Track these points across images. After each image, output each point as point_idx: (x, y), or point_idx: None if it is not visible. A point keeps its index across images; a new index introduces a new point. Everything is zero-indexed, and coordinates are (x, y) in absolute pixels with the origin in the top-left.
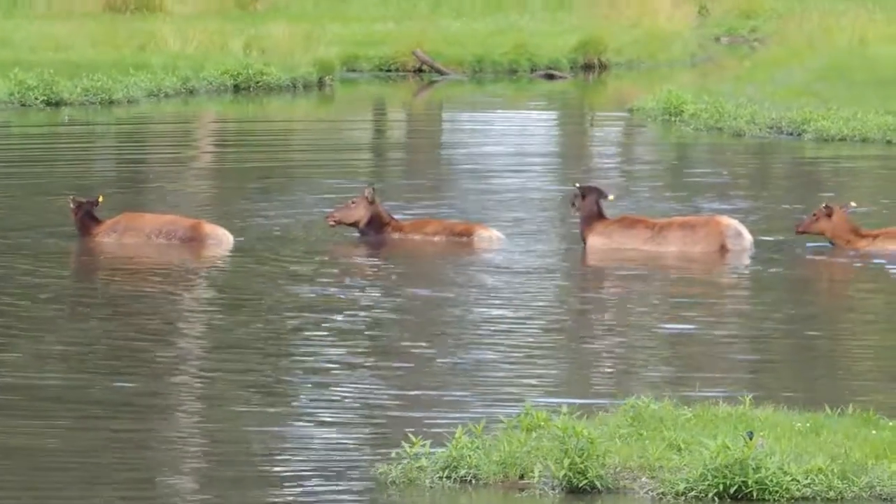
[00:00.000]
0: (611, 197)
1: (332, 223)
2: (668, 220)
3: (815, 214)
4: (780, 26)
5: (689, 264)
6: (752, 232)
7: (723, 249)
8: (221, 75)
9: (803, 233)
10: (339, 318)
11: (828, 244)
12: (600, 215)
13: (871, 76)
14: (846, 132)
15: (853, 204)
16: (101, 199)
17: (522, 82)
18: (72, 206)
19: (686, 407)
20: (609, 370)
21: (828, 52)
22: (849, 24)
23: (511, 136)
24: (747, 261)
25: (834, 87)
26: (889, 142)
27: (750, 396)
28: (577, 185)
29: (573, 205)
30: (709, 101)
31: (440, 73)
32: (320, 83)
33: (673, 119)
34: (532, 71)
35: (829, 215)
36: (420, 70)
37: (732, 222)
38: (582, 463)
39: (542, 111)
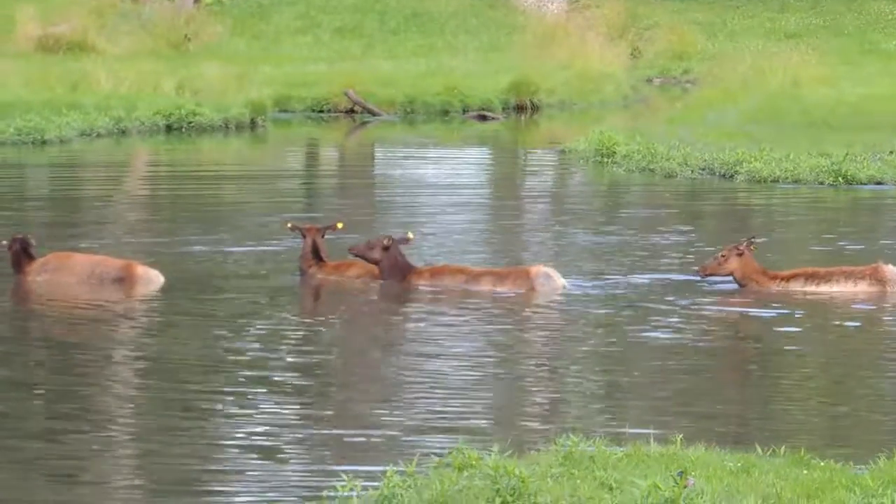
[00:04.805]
0: (410, 235)
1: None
2: (482, 269)
3: (723, 255)
4: (713, 68)
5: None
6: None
7: (532, 292)
8: (154, 115)
9: (710, 275)
10: (265, 355)
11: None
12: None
13: (803, 118)
14: (779, 174)
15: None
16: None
17: (455, 123)
18: (4, 242)
19: (617, 446)
20: (539, 408)
21: (760, 93)
22: (781, 66)
23: (442, 176)
24: (558, 297)
25: (766, 128)
26: (821, 183)
27: (681, 436)
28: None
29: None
30: (641, 142)
31: (372, 113)
32: (253, 124)
33: (605, 160)
34: (464, 112)
35: (740, 255)
36: (352, 111)
37: (541, 268)
38: (514, 502)
39: (474, 151)
